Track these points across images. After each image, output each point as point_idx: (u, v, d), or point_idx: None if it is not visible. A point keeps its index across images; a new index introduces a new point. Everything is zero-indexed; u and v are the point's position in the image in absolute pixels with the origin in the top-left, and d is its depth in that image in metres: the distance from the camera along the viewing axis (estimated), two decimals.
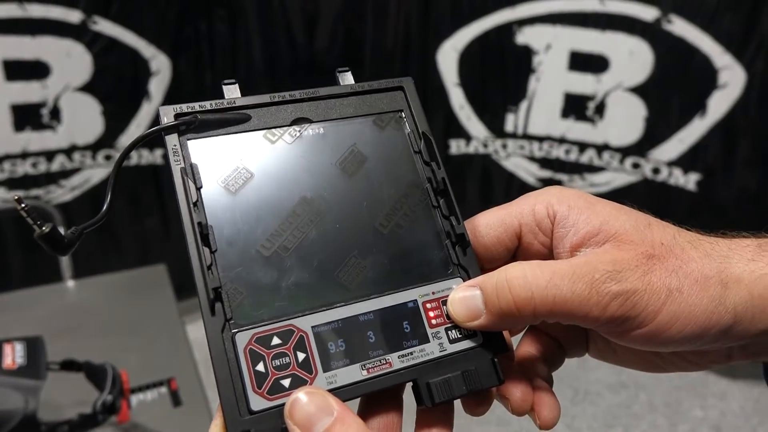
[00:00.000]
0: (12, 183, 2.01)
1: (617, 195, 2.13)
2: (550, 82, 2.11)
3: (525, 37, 2.09)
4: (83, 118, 2.04)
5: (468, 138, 2.27)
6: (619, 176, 2.14)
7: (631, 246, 0.36)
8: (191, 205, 0.35)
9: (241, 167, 0.38)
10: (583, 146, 2.15)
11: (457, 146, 2.28)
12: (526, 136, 2.21)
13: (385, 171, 0.40)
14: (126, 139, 2.10)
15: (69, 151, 2.06)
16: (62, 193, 2.09)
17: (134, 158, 2.16)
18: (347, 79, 0.42)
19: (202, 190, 0.36)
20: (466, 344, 0.37)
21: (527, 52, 2.10)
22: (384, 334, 0.36)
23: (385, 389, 0.35)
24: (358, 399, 0.36)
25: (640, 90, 2.00)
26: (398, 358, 0.36)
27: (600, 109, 2.08)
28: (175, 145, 0.37)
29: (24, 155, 2.00)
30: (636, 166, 2.10)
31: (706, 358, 0.40)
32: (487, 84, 2.21)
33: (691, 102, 1.96)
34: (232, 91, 0.40)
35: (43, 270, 1.59)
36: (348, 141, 0.40)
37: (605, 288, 0.34)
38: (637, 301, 0.34)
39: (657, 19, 1.91)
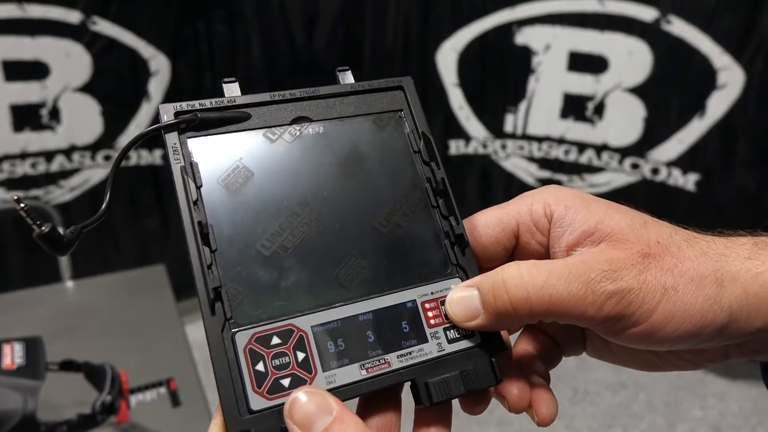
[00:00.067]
0: (11, 183, 2.01)
1: (616, 195, 2.13)
2: (550, 82, 2.11)
3: (524, 37, 2.09)
4: (82, 119, 2.04)
5: (467, 138, 2.27)
6: (618, 176, 2.14)
7: (626, 245, 0.36)
8: (191, 204, 0.35)
9: (241, 166, 0.38)
10: (582, 146, 2.15)
11: (456, 147, 2.28)
12: (526, 137, 2.21)
13: (385, 170, 0.40)
14: (125, 139, 2.10)
15: (68, 152, 2.06)
16: (61, 194, 2.10)
17: (134, 158, 2.16)
18: (347, 78, 0.42)
19: (202, 189, 0.36)
20: (465, 344, 0.37)
21: (526, 53, 2.10)
22: (383, 334, 0.36)
23: (383, 389, 0.35)
24: (357, 398, 0.36)
25: (639, 90, 2.01)
26: (397, 357, 0.36)
27: (599, 109, 2.08)
28: (174, 144, 0.37)
29: (23, 155, 2.00)
30: (635, 166, 2.10)
31: (703, 357, 0.40)
32: (487, 84, 2.21)
33: (690, 102, 1.97)
34: (232, 90, 0.40)
35: (42, 270, 1.60)
36: (348, 140, 0.40)
37: (601, 287, 0.34)
38: (633, 299, 0.34)
39: (656, 19, 1.91)
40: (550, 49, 2.07)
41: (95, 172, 2.12)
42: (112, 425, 0.98)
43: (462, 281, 0.39)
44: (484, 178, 2.31)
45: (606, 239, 0.37)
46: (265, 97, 0.40)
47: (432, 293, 0.38)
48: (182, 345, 1.22)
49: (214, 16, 2.11)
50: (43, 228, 0.36)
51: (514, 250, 0.41)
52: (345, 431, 0.31)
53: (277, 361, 0.34)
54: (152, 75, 2.09)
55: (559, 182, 2.19)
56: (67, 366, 0.98)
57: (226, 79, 0.40)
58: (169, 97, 2.12)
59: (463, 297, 0.37)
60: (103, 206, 0.38)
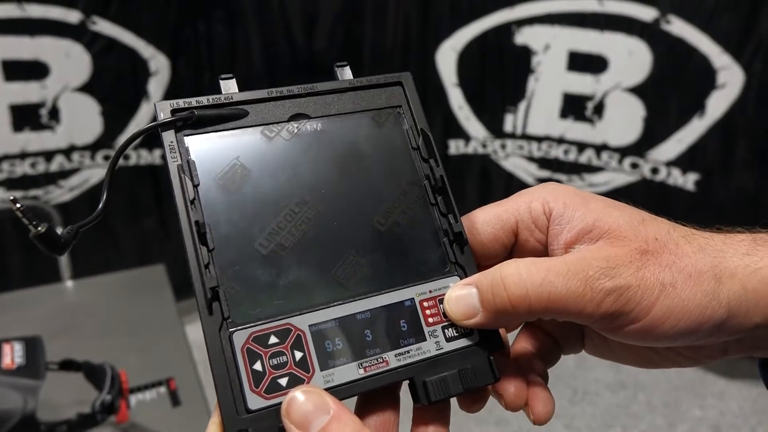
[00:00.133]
0: (11, 183, 2.01)
1: (616, 195, 2.12)
2: (549, 82, 2.11)
3: (524, 37, 2.09)
4: (82, 119, 2.04)
5: (467, 138, 2.27)
6: (617, 176, 2.14)
7: (624, 242, 0.36)
8: (188, 203, 0.35)
9: (239, 164, 0.37)
10: (581, 146, 2.15)
11: (456, 146, 2.28)
12: (525, 137, 2.21)
13: (383, 168, 0.40)
14: (125, 139, 2.10)
15: (68, 152, 2.06)
16: (61, 194, 2.10)
17: (133, 158, 2.16)
18: (346, 74, 0.42)
19: (199, 188, 0.36)
20: (463, 342, 0.37)
21: (526, 53, 2.10)
22: (381, 333, 0.36)
23: (381, 388, 0.35)
24: (356, 397, 0.36)
25: (638, 90, 2.01)
26: (395, 356, 0.36)
27: (599, 109, 2.08)
28: (171, 142, 0.37)
29: (23, 155, 2.00)
30: (635, 166, 2.10)
31: (701, 353, 0.40)
32: (486, 84, 2.21)
33: (689, 102, 1.96)
34: (229, 86, 0.39)
35: (42, 270, 1.59)
36: (346, 137, 0.40)
37: (599, 284, 0.34)
38: (631, 296, 0.34)
39: (656, 19, 1.91)
40: (549, 48, 2.07)
41: (95, 172, 2.12)
42: (111, 425, 0.98)
43: (461, 279, 0.39)
44: (484, 177, 2.31)
45: (604, 236, 0.37)
46: (262, 93, 0.39)
47: (430, 291, 0.38)
48: (182, 345, 1.22)
49: (213, 16, 2.11)
50: (39, 228, 0.36)
51: (513, 248, 0.41)
52: (342, 430, 0.31)
53: (274, 361, 0.34)
54: (152, 75, 2.09)
55: (559, 182, 2.19)
56: (67, 365, 0.98)
57: (223, 76, 0.39)
58: (169, 96, 2.11)
59: (461, 295, 0.37)
60: (100, 205, 0.37)
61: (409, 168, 0.41)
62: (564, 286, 0.34)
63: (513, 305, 0.35)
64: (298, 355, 0.34)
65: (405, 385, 0.37)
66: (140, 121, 2.11)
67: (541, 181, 2.19)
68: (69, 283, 1.46)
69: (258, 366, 0.33)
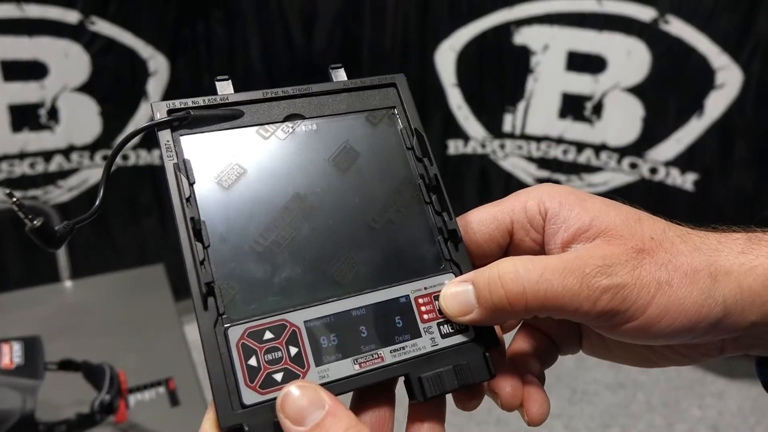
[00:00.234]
0: (10, 183, 2.01)
1: (615, 195, 2.13)
2: (548, 82, 2.11)
3: (522, 37, 2.09)
4: (81, 119, 2.04)
5: (466, 138, 2.27)
6: (616, 176, 2.14)
7: (621, 241, 0.36)
8: (184, 201, 0.36)
9: (234, 163, 0.38)
10: (580, 146, 2.15)
11: (455, 146, 2.28)
12: (524, 137, 2.21)
13: (378, 167, 0.40)
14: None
15: (67, 152, 2.06)
16: (60, 194, 2.10)
17: (132, 158, 2.16)
18: (340, 75, 0.43)
19: (194, 186, 0.37)
20: (458, 339, 0.38)
21: (525, 53, 2.11)
22: (376, 329, 0.36)
23: (377, 383, 0.35)
24: (351, 394, 0.36)
25: (637, 90, 2.01)
26: (390, 352, 0.36)
27: (598, 109, 2.08)
28: (168, 141, 0.37)
29: (22, 156, 2.00)
30: (633, 166, 2.10)
31: (698, 352, 0.41)
32: (485, 84, 2.21)
33: (688, 102, 1.97)
34: (224, 87, 0.40)
35: (41, 270, 1.60)
36: (341, 137, 0.41)
37: (596, 282, 0.34)
38: (627, 294, 0.34)
39: (654, 19, 1.91)
40: (548, 49, 2.07)
41: (94, 172, 2.12)
42: (110, 425, 0.98)
43: (455, 276, 0.39)
44: (483, 177, 2.32)
45: (600, 235, 0.37)
46: (257, 94, 0.40)
47: (425, 288, 0.38)
48: (181, 345, 1.22)
49: (212, 16, 2.11)
50: (35, 222, 0.36)
51: (508, 248, 0.42)
52: (337, 425, 0.31)
53: (269, 356, 0.34)
54: (151, 75, 2.09)
55: (557, 182, 2.19)
56: (66, 365, 0.98)
57: (218, 77, 0.40)
58: (168, 97, 2.11)
59: (457, 292, 0.37)
60: (97, 203, 0.38)
61: (403, 167, 0.41)
62: (560, 284, 0.34)
63: (510, 302, 0.35)
64: (293, 350, 0.34)
65: (401, 382, 0.37)
66: (139, 121, 2.11)
67: (540, 181, 2.20)
68: (68, 283, 1.46)
69: (253, 361, 0.33)
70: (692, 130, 1.98)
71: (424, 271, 0.39)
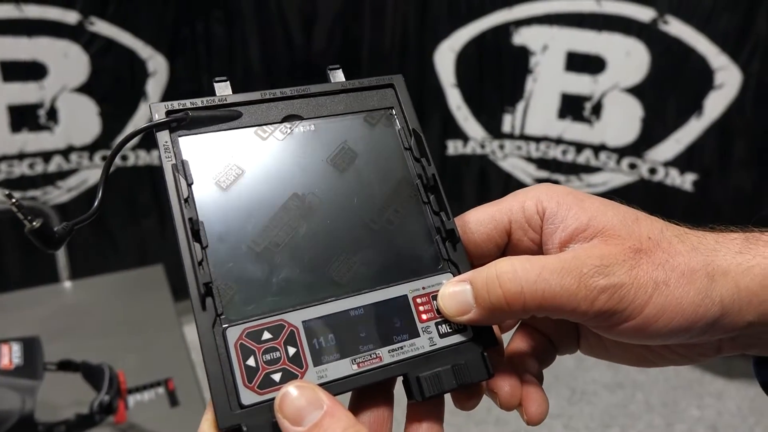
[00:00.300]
0: (9, 184, 2.00)
1: (614, 195, 2.12)
2: (547, 82, 2.11)
3: (522, 37, 2.09)
4: (80, 119, 2.04)
5: (465, 139, 2.27)
6: (615, 176, 2.14)
7: (618, 241, 0.36)
8: (182, 201, 0.36)
9: (233, 164, 0.38)
10: (580, 147, 2.15)
11: (454, 147, 2.28)
12: (523, 137, 2.21)
13: (376, 168, 0.41)
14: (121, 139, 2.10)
15: (66, 152, 2.06)
16: (59, 194, 2.10)
17: (131, 159, 2.16)
18: (338, 76, 0.43)
19: (193, 187, 0.37)
20: (456, 338, 0.38)
21: (524, 53, 2.11)
22: (374, 329, 0.36)
23: (375, 383, 0.35)
24: (350, 393, 0.36)
25: (636, 90, 2.01)
26: (388, 352, 0.36)
27: (597, 109, 2.08)
28: (166, 142, 0.37)
29: (21, 156, 2.00)
30: (633, 166, 2.10)
31: (695, 351, 0.41)
32: (484, 85, 2.21)
33: (687, 102, 1.97)
34: (223, 89, 0.40)
35: (40, 271, 1.60)
36: (339, 138, 0.41)
37: (593, 282, 0.34)
38: (625, 294, 0.34)
39: (653, 19, 1.91)
40: (547, 49, 2.07)
41: (93, 173, 2.12)
42: (110, 425, 0.98)
43: (454, 276, 0.39)
44: (482, 178, 2.32)
45: (598, 235, 0.37)
46: (256, 95, 0.40)
47: (423, 288, 0.38)
48: (180, 345, 1.22)
49: (212, 16, 2.11)
50: (34, 223, 0.36)
51: (506, 248, 0.42)
52: (335, 425, 0.31)
53: (267, 356, 0.34)
54: (150, 75, 2.09)
55: (556, 182, 2.19)
56: (65, 366, 0.98)
57: (217, 78, 0.40)
58: (167, 97, 2.11)
59: (455, 291, 0.37)
60: (96, 203, 0.38)
61: (401, 167, 0.41)
62: (558, 284, 0.34)
63: (508, 302, 0.35)
64: (292, 350, 0.34)
65: (399, 381, 0.37)
66: (138, 121, 2.11)
67: (540, 181, 2.19)
68: (67, 284, 1.46)
69: (251, 361, 0.34)
70: (691, 131, 1.98)
71: (423, 271, 0.39)
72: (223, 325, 0.34)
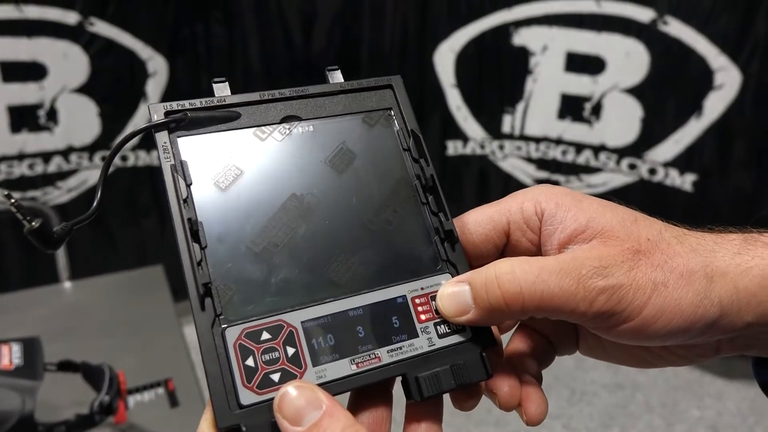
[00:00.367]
0: (8, 185, 2.00)
1: (614, 196, 2.13)
2: (547, 83, 2.12)
3: (521, 38, 2.09)
4: (80, 120, 2.04)
5: (465, 139, 2.27)
6: (615, 177, 2.14)
7: (617, 242, 0.36)
8: (181, 202, 0.36)
9: (231, 164, 0.38)
10: (579, 147, 2.15)
11: (454, 147, 2.28)
12: (523, 137, 2.21)
13: (375, 168, 0.41)
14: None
15: (66, 153, 2.06)
16: (59, 195, 2.10)
17: (131, 159, 2.16)
18: (336, 77, 0.43)
19: (192, 187, 0.37)
20: (455, 339, 0.38)
21: (524, 54, 2.11)
22: (373, 329, 0.36)
23: (374, 383, 0.35)
24: (348, 394, 0.36)
25: (636, 91, 2.01)
26: (387, 352, 0.36)
27: (596, 110, 2.08)
28: (165, 143, 0.37)
29: (20, 157, 2.00)
30: (632, 167, 2.10)
31: (694, 352, 0.41)
32: (484, 85, 2.21)
33: (687, 103, 1.97)
34: (221, 90, 0.40)
35: (40, 271, 1.60)
36: (337, 138, 0.41)
37: (592, 283, 0.34)
38: (623, 295, 0.34)
39: (653, 20, 1.91)
40: (547, 49, 2.07)
41: (93, 173, 2.12)
42: (110, 426, 0.98)
43: (452, 277, 0.39)
44: (482, 178, 2.32)
45: (597, 236, 0.37)
46: (254, 96, 0.40)
47: (422, 289, 0.39)
48: (180, 345, 1.22)
49: (211, 17, 2.11)
50: (33, 223, 0.36)
51: (505, 248, 0.42)
52: (334, 425, 0.31)
53: (266, 356, 0.34)
54: (150, 76, 2.09)
55: (556, 182, 2.19)
56: (65, 366, 0.98)
57: (215, 79, 0.40)
58: (167, 98, 2.11)
59: (454, 292, 0.37)
60: (95, 204, 0.38)
61: (400, 168, 0.41)
62: (557, 285, 0.34)
63: (506, 303, 0.35)
64: (291, 351, 0.34)
65: (398, 382, 0.37)
66: (138, 122, 2.11)
67: (539, 182, 2.20)
68: (67, 284, 1.46)
69: (250, 361, 0.34)
70: (691, 131, 1.99)
71: (421, 272, 0.39)
72: (222, 326, 0.34)
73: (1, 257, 2.10)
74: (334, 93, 0.42)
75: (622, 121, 2.06)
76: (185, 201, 0.36)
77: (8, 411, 0.86)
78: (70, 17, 1.93)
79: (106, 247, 2.23)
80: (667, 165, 2.06)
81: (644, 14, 1.92)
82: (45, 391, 0.91)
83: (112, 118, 2.08)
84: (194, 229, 0.36)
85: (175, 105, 0.38)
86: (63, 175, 2.08)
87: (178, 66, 2.12)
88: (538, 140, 2.20)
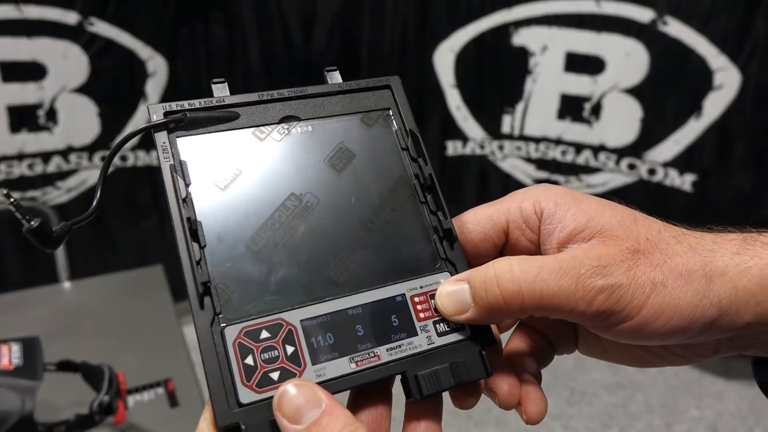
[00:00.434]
0: (8, 185, 2.00)
1: (613, 196, 2.12)
2: (547, 83, 2.12)
3: (521, 38, 2.09)
4: (80, 120, 2.04)
5: (465, 139, 2.27)
6: (615, 177, 2.14)
7: (616, 241, 0.36)
8: (180, 202, 0.36)
9: (230, 164, 0.38)
10: (579, 147, 2.15)
11: (453, 147, 2.29)
12: (523, 138, 2.21)
13: (373, 168, 0.41)
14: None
15: (65, 153, 2.06)
16: (58, 195, 2.10)
17: (131, 159, 2.16)
18: (335, 78, 0.43)
19: (191, 187, 0.37)
20: (454, 337, 0.38)
21: (523, 54, 2.11)
22: (372, 328, 0.36)
23: (373, 382, 0.36)
24: (348, 392, 0.36)
25: (636, 91, 2.01)
26: (387, 351, 0.36)
27: (596, 110, 2.08)
28: (164, 143, 0.38)
29: (20, 157, 2.00)
30: (632, 167, 2.10)
31: (693, 352, 0.41)
32: (484, 85, 2.21)
33: (686, 103, 1.97)
34: (221, 90, 0.40)
35: (40, 271, 1.60)
36: (336, 138, 0.41)
37: (591, 282, 0.34)
38: (622, 295, 0.34)
39: (653, 20, 1.91)
40: (547, 50, 2.07)
41: (92, 173, 2.12)
42: (109, 426, 0.98)
43: (451, 275, 0.39)
44: (482, 178, 2.32)
45: (596, 236, 0.37)
46: (253, 96, 0.40)
47: (421, 287, 0.39)
48: (180, 345, 1.22)
49: (211, 17, 2.11)
50: (32, 222, 0.36)
51: (504, 248, 0.42)
52: (334, 424, 0.31)
53: (266, 355, 0.34)
54: (149, 76, 2.09)
55: (556, 182, 2.19)
56: (65, 366, 0.98)
57: (214, 80, 0.40)
58: (166, 98, 2.11)
59: (453, 290, 0.37)
60: (94, 203, 0.38)
61: (398, 167, 0.41)
62: (556, 284, 0.35)
63: (506, 301, 0.35)
64: (290, 349, 0.35)
65: (398, 382, 0.37)
66: (138, 122, 2.11)
67: (539, 182, 2.20)
68: (67, 284, 1.46)
69: (249, 360, 0.34)
70: (691, 131, 1.99)
71: (420, 270, 0.39)
72: (222, 324, 0.34)
73: (0, 257, 2.10)
74: (333, 93, 0.42)
75: (621, 121, 2.06)
76: (184, 200, 0.36)
77: (8, 411, 0.86)
78: (70, 17, 1.93)
79: (105, 247, 2.23)
80: (667, 165, 2.06)
81: (644, 14, 1.92)
82: (45, 391, 0.91)
83: (111, 118, 2.08)
84: (193, 229, 0.36)
85: (174, 105, 0.38)
86: (62, 175, 2.08)
87: (178, 66, 2.12)
88: (537, 140, 2.20)
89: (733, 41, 1.85)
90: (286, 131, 0.40)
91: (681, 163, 2.03)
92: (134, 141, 2.11)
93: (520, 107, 2.18)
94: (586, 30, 2.01)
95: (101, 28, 1.97)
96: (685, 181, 2.05)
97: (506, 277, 0.35)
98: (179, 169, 0.37)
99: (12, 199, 0.36)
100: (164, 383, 1.11)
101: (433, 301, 0.38)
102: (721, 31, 1.85)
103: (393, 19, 2.18)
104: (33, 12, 1.87)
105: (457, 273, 0.39)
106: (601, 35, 1.99)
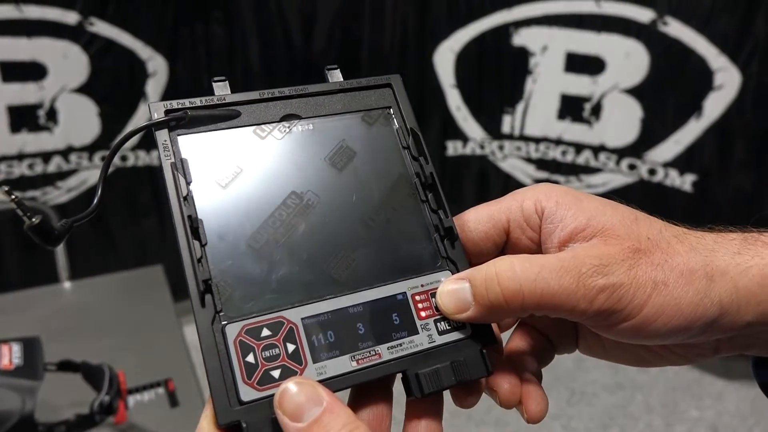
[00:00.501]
0: (8, 184, 2.00)
1: (613, 196, 2.12)
2: (547, 83, 2.12)
3: (521, 38, 2.09)
4: (80, 120, 2.04)
5: (465, 139, 2.27)
6: (615, 177, 2.14)
7: (617, 240, 0.36)
8: (181, 200, 0.36)
9: (231, 162, 0.38)
10: (579, 147, 2.15)
11: (453, 148, 2.29)
12: (523, 138, 2.21)
13: (374, 166, 0.41)
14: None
15: (65, 153, 2.06)
16: (59, 195, 2.10)
17: (131, 159, 2.16)
18: (336, 76, 0.43)
19: (192, 185, 0.37)
20: (455, 336, 0.38)
21: (524, 54, 2.11)
22: (373, 326, 0.36)
23: (374, 380, 0.36)
24: (349, 391, 0.36)
25: (636, 91, 2.01)
26: (387, 349, 0.36)
27: (596, 110, 2.08)
28: (165, 141, 0.38)
29: (20, 157, 2.00)
30: (632, 167, 2.10)
31: (694, 351, 0.41)
32: (484, 85, 2.21)
33: (686, 103, 1.97)
34: (221, 88, 0.40)
35: (40, 271, 1.60)
36: (337, 137, 0.41)
37: (592, 281, 0.34)
38: (623, 294, 0.34)
39: (653, 20, 1.91)
40: (547, 50, 2.07)
41: (92, 173, 2.12)
42: (110, 426, 0.98)
43: (452, 274, 0.39)
44: (482, 179, 2.32)
45: (597, 235, 0.37)
46: (254, 95, 0.40)
47: (422, 286, 0.39)
48: (180, 345, 1.22)
49: (211, 17, 2.11)
50: (33, 219, 0.36)
51: (505, 246, 0.42)
52: (335, 422, 0.31)
53: (267, 353, 0.34)
54: (150, 76, 2.09)
55: (556, 182, 2.18)
56: (65, 366, 0.99)
57: (215, 78, 0.40)
58: (167, 98, 2.10)
59: (454, 289, 0.37)
60: (95, 201, 0.38)
61: (399, 166, 0.41)
62: (557, 283, 0.35)
63: (506, 300, 0.35)
64: (291, 347, 0.35)
65: (398, 381, 0.37)
66: (138, 122, 2.11)
67: (539, 182, 2.19)
68: (67, 284, 1.46)
69: (251, 358, 0.34)
70: (691, 132, 1.99)
71: (421, 269, 0.39)
72: (223, 322, 0.34)
73: (1, 257, 2.10)
74: (334, 92, 0.42)
75: (621, 121, 2.06)
76: (185, 198, 0.36)
77: (8, 411, 0.86)
78: (70, 17, 1.93)
79: (106, 247, 2.23)
80: (667, 165, 2.06)
81: (644, 14, 1.92)
82: (45, 391, 0.91)
83: (111, 118, 2.08)
84: (194, 227, 0.36)
85: (175, 103, 0.39)
86: (63, 175, 2.08)
87: (178, 66, 2.12)
88: (537, 140, 2.20)
89: (733, 41, 1.85)
90: (287, 129, 0.40)
91: (681, 163, 2.03)
92: (134, 141, 2.11)
93: (520, 107, 2.18)
94: (586, 30, 2.01)
95: (101, 28, 1.97)
96: (685, 182, 2.05)
97: (507, 276, 0.35)
98: (180, 167, 0.37)
99: (13, 196, 0.36)
100: (164, 383, 1.11)
101: (434, 299, 0.38)
102: (722, 31, 1.85)
103: (393, 19, 2.18)
104: (33, 12, 1.87)
105: (458, 271, 0.39)
106: (601, 35, 1.99)
